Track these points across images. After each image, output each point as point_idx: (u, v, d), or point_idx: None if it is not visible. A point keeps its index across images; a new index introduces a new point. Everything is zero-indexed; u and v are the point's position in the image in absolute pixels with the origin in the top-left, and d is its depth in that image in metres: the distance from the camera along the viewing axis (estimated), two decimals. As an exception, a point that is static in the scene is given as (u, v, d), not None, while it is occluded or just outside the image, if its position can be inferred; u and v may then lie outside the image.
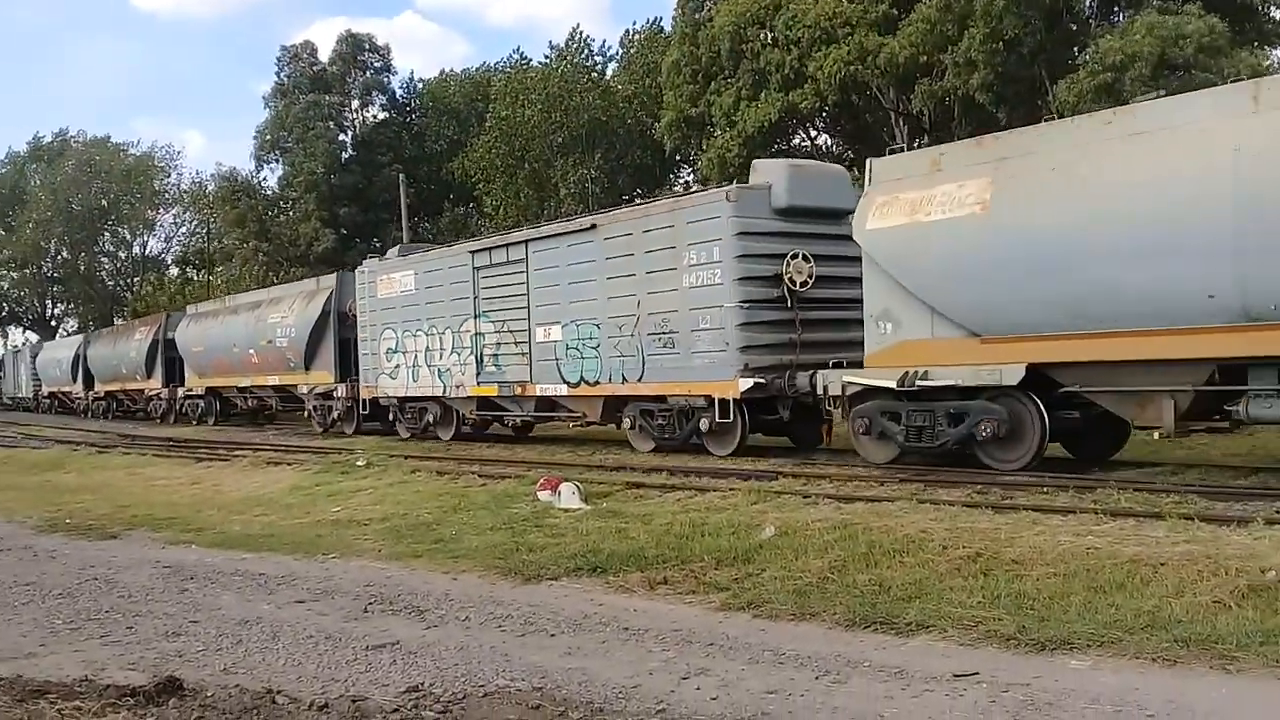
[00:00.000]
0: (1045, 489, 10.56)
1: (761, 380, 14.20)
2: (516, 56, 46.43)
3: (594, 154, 40.97)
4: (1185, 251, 9.82)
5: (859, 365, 13.09)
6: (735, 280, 14.43)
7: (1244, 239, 9.46)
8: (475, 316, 19.25)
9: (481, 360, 19.16)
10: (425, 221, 51.28)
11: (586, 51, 43.71)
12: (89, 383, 40.81)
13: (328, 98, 52.03)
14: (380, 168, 50.71)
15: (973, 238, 11.38)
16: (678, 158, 42.10)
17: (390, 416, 22.43)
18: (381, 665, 5.92)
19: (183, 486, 16.02)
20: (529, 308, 17.95)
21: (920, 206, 11.95)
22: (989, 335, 11.69)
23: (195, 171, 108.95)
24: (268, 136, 53.33)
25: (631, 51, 43.53)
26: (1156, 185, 10.14)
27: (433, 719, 4.94)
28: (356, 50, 53.96)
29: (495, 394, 19.03)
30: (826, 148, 37.30)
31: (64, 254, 73.39)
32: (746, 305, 14.42)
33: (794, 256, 14.44)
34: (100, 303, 71.89)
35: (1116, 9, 27.28)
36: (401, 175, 44.74)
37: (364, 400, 22.65)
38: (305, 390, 25.51)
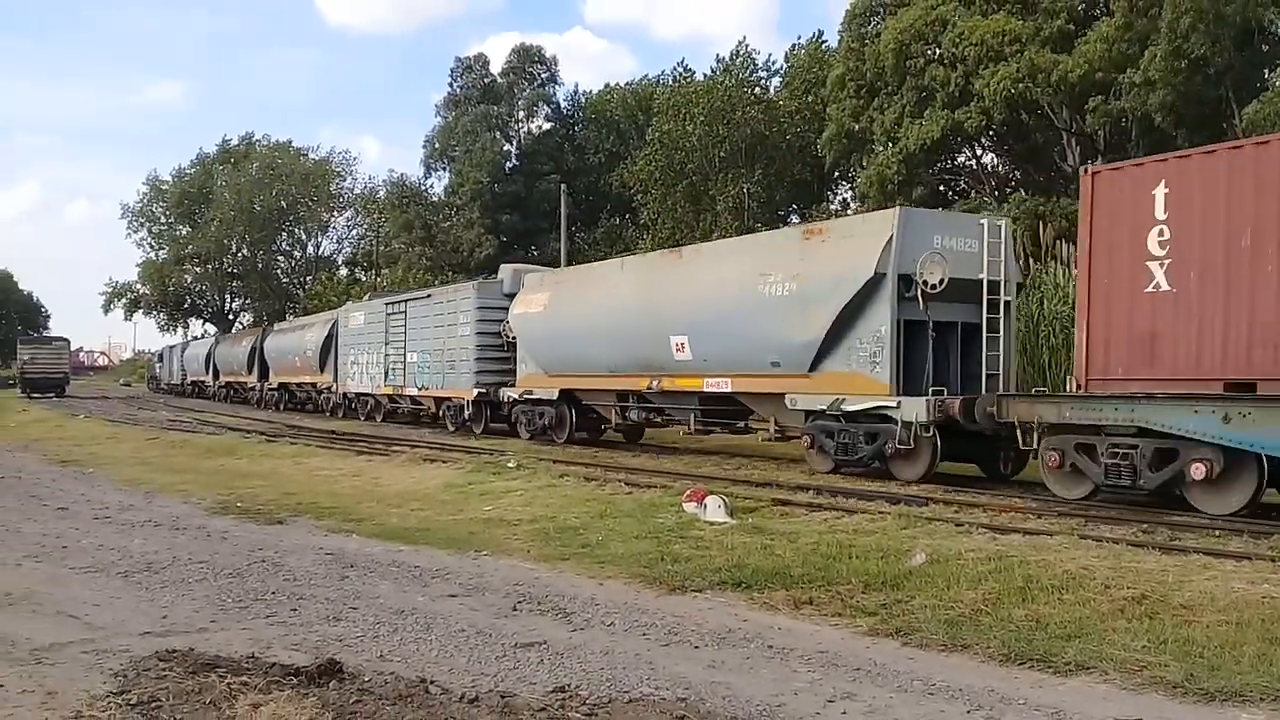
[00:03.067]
0: (1217, 532, 10.02)
1: (484, 390, 24.40)
2: (681, 70, 46.72)
3: (754, 169, 40.90)
4: (606, 340, 19.94)
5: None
6: (476, 333, 24.72)
7: (621, 339, 19.56)
8: (385, 344, 30.12)
9: (387, 372, 30.04)
10: (582, 231, 52.20)
11: (751, 66, 43.71)
12: (264, 374, 43.46)
13: (496, 108, 53.61)
14: (541, 177, 51.95)
15: (541, 324, 22.30)
16: (837, 174, 41.67)
17: (352, 405, 33.53)
18: (529, 663, 6.03)
19: (344, 478, 16.67)
20: (405, 341, 28.83)
21: (528, 305, 22.86)
22: (551, 373, 22.05)
23: (369, 177, 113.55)
24: (437, 145, 55.29)
25: (795, 66, 43.31)
26: (599, 306, 20.47)
27: (579, 720, 5.00)
28: (526, 62, 55.44)
29: (392, 392, 30.02)
30: (992, 168, 36.31)
31: (244, 251, 77.64)
32: (481, 348, 24.61)
33: (506, 322, 23.86)
34: (275, 299, 75.69)
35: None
36: (562, 185, 45.65)
37: (342, 394, 34.05)
38: (323, 387, 36.65)
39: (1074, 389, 12.75)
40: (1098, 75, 26.34)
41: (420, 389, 27.70)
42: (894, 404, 14.30)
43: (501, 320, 23.95)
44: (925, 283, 14.34)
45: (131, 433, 27.34)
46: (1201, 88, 24.60)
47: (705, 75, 44.25)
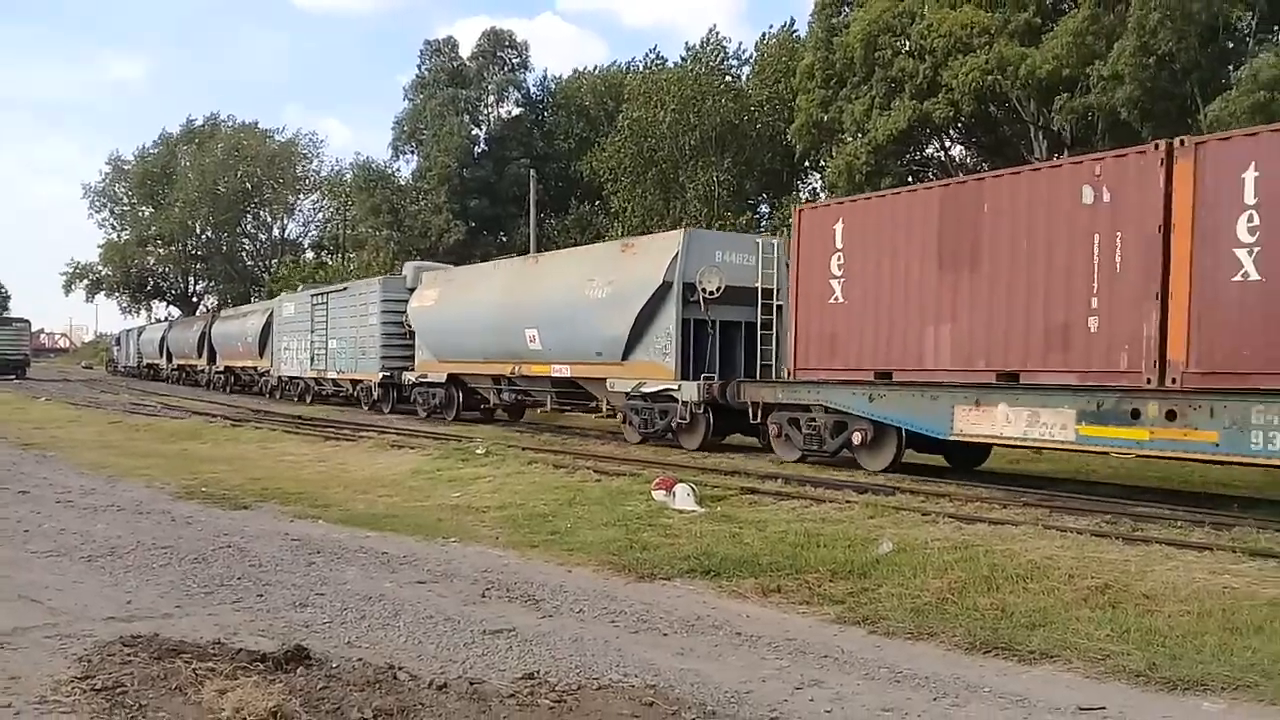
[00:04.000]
0: (1179, 523, 10.17)
1: (388, 374, 27.78)
2: (652, 57, 46.65)
3: (724, 157, 40.93)
4: (480, 331, 23.28)
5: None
6: (381, 322, 27.97)
7: (491, 330, 22.83)
8: (311, 332, 32.88)
9: (313, 357, 32.73)
10: (552, 217, 52.03)
11: (721, 54, 43.70)
12: (212, 358, 45.77)
13: (465, 92, 53.25)
14: (510, 162, 51.70)
15: (433, 316, 25.67)
16: (806, 163, 41.80)
17: (285, 388, 36.31)
18: (498, 650, 6.02)
19: (310, 463, 16.55)
20: (327, 329, 31.67)
21: (423, 299, 26.20)
22: (441, 359, 25.45)
23: (335, 159, 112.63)
24: (405, 128, 54.88)
25: (765, 55, 43.36)
26: (476, 302, 23.67)
27: (548, 706, 5.00)
28: (496, 46, 55.11)
29: (317, 375, 32.90)
30: (960, 160, 36.54)
31: (208, 233, 76.87)
32: (386, 336, 27.88)
33: (406, 314, 26.92)
34: (239, 281, 75.02)
35: (1277, 27, 26.04)
36: (531, 171, 45.47)
37: (277, 377, 36.79)
38: (263, 370, 39.32)
39: (787, 376, 16.43)
40: (1065, 71, 26.54)
41: (339, 372, 31.08)
42: (676, 386, 18.01)
43: (403, 312, 27.20)
44: (705, 290, 17.88)
45: (94, 416, 27.00)
46: (1167, 83, 24.86)
47: (676, 63, 44.22)
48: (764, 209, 44.10)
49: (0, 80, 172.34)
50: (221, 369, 44.55)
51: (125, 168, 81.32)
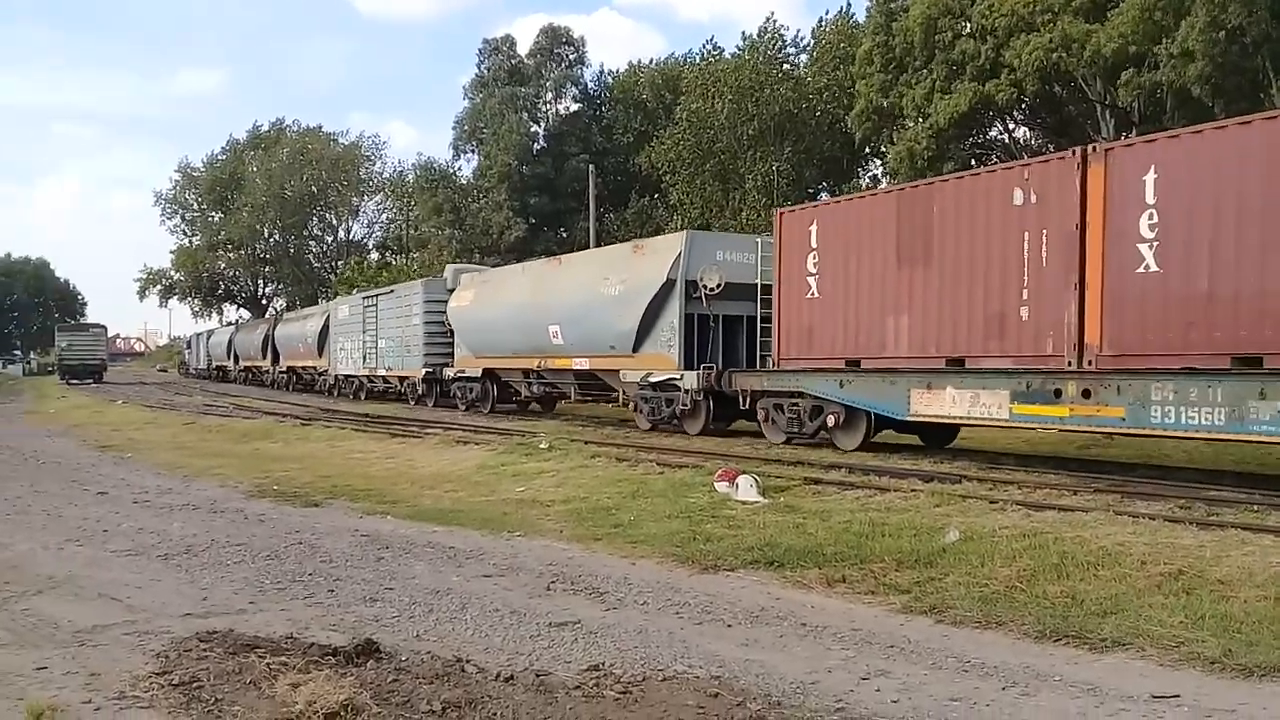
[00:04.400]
0: (1255, 507, 9.91)
1: (430, 369, 29.62)
2: (709, 48, 46.44)
3: (783, 146, 40.64)
4: (510, 328, 24.64)
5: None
6: (424, 322, 29.78)
7: (520, 328, 24.16)
8: (363, 333, 34.88)
9: (365, 356, 34.77)
10: (611, 212, 52.12)
11: (779, 42, 43.36)
12: (276, 359, 47.78)
13: (523, 90, 53.52)
14: (569, 158, 51.86)
15: (469, 316, 27.22)
16: (867, 150, 41.34)
17: (342, 386, 38.30)
18: (564, 642, 6.07)
19: (378, 460, 16.80)
20: (377, 329, 33.63)
21: (461, 300, 27.87)
22: (477, 355, 27.02)
23: (398, 160, 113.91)
24: (466, 127, 55.33)
25: (823, 42, 42.94)
26: (507, 302, 25.27)
27: (613, 698, 5.03)
28: (553, 43, 55.30)
29: (368, 373, 34.83)
30: (1025, 141, 35.89)
31: (276, 237, 78.28)
32: (428, 334, 29.68)
33: (446, 313, 28.64)
34: (307, 283, 76.28)
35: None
36: (590, 167, 45.58)
37: (334, 375, 38.74)
38: (322, 370, 41.22)
39: (771, 366, 17.63)
40: (1132, 48, 25.92)
41: (388, 370, 33.00)
42: (679, 376, 19.20)
43: (444, 312, 28.89)
44: (706, 286, 18.98)
45: (168, 418, 27.70)
46: (1238, 58, 24.15)
47: (733, 54, 43.98)
48: (824, 197, 43.74)
49: (77, 94, 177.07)
50: (284, 369, 46.52)
51: (195, 174, 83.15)
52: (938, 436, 16.75)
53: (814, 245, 16.63)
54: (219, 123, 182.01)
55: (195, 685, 5.06)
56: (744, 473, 11.96)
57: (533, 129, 54.30)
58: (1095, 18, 27.35)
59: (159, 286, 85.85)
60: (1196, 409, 11.12)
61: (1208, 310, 11.38)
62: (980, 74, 30.03)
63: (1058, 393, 12.60)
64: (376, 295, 34.63)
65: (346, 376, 37.29)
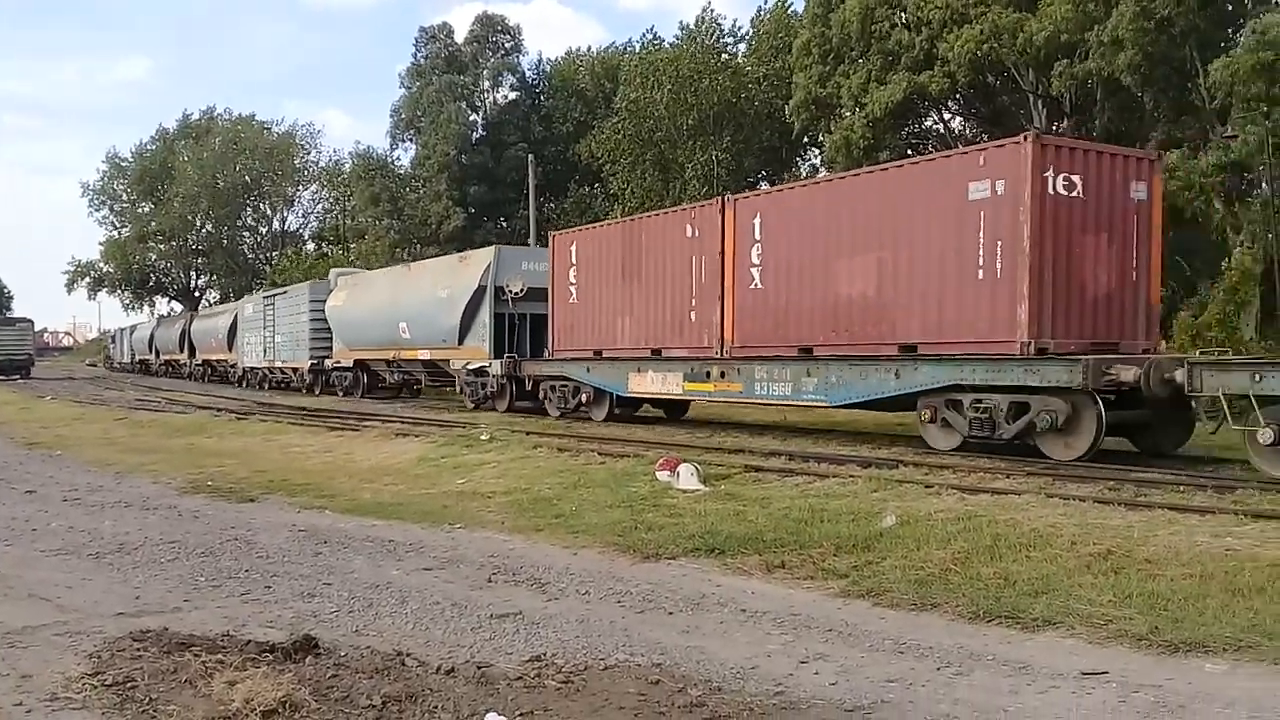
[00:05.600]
0: (1181, 488, 10.19)
1: (315, 361, 33.34)
2: (649, 37, 46.40)
3: (722, 136, 40.76)
4: (373, 324, 29.00)
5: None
6: (309, 319, 33.19)
7: (380, 324, 28.55)
8: (264, 329, 37.99)
9: (266, 349, 37.96)
10: (551, 201, 51.92)
11: (717, 32, 43.44)
12: (192, 352, 50.77)
13: (461, 78, 53.01)
14: (508, 148, 51.54)
15: (342, 314, 30.99)
16: (805, 140, 41.61)
17: (248, 377, 40.87)
18: (505, 634, 6.07)
19: (316, 454, 16.61)
20: (275, 326, 36.92)
21: (336, 300, 31.60)
22: (350, 348, 30.79)
23: (334, 150, 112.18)
24: (403, 116, 54.71)
25: (762, 32, 43.11)
26: (370, 301, 29.65)
27: (555, 688, 5.04)
28: (490, 31, 54.85)
29: (268, 365, 38.00)
30: (959, 131, 36.37)
31: (208, 228, 76.87)
32: (313, 331, 33.02)
33: (325, 312, 32.23)
34: (241, 275, 75.00)
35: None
36: (530, 156, 45.35)
37: (242, 368, 41.56)
38: (232, 363, 44.03)
39: (547, 356, 22.05)
40: (1063, 38, 26.36)
41: (284, 362, 36.66)
42: (488, 364, 23.42)
43: (325, 308, 32.71)
44: (511, 291, 23.46)
45: (99, 413, 27.09)
46: (1167, 47, 24.68)
47: (672, 43, 43.99)
48: (764, 186, 43.97)
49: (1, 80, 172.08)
50: (200, 362, 49.83)
51: (123, 165, 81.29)
52: (675, 410, 21.21)
53: (574, 262, 21.02)
54: (149, 112, 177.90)
55: (129, 685, 4.97)
56: (685, 461, 12.02)
57: (471, 118, 53.86)
58: (1027, 8, 27.75)
59: (87, 279, 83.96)
60: (779, 384, 16.00)
61: (785, 316, 16.01)
62: (915, 65, 30.36)
63: (708, 374, 17.52)
64: (274, 295, 38.64)
65: (252, 368, 40.56)
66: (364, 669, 5.22)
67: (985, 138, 34.17)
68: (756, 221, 16.54)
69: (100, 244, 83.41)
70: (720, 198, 17.60)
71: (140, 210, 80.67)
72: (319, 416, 23.49)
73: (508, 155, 51.30)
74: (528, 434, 17.00)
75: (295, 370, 35.73)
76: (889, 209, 14.37)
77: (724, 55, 43.00)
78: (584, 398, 20.49)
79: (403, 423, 20.65)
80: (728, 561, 8.06)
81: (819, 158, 41.82)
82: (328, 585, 7.32)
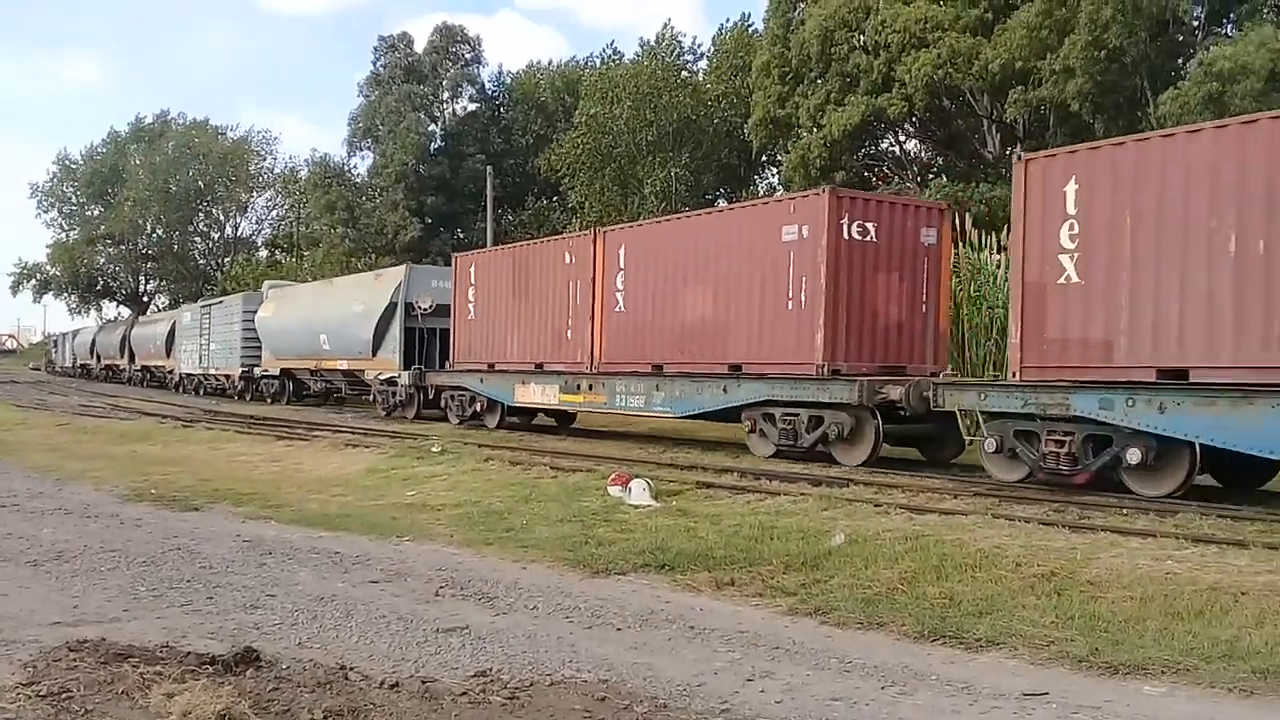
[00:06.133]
0: (1124, 510, 10.35)
1: (246, 368, 34.61)
2: (610, 52, 46.51)
3: (681, 152, 40.93)
4: (296, 335, 30.89)
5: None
6: (241, 329, 34.87)
7: (303, 334, 30.62)
8: (200, 336, 39.50)
9: (201, 356, 39.40)
10: (509, 213, 51.76)
11: (677, 50, 43.65)
12: (132, 358, 51.58)
13: (420, 88, 52.75)
14: (467, 159, 51.31)
15: (270, 324, 32.41)
16: (764, 158, 41.90)
17: (184, 383, 42.51)
18: (451, 648, 6.02)
19: (263, 463, 16.40)
20: (210, 334, 38.51)
21: (266, 310, 33.14)
22: (278, 356, 32.17)
23: (290, 156, 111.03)
24: (361, 125, 54.29)
25: (722, 51, 43.39)
26: (293, 313, 31.61)
27: (500, 704, 5.01)
28: (450, 42, 54.65)
29: (203, 371, 39.59)
30: (915, 154, 36.81)
31: (159, 232, 75.71)
32: (245, 340, 34.50)
33: (255, 321, 33.58)
34: (191, 280, 73.92)
35: (1226, 21, 26.46)
36: (488, 167, 45.20)
37: (179, 374, 42.96)
38: (170, 369, 45.52)
39: (449, 367, 23.75)
40: (1018, 64, 26.80)
41: (217, 369, 38.28)
42: (398, 374, 25.21)
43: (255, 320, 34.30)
44: (420, 307, 25.25)
45: (41, 418, 26.56)
46: (1118, 76, 25.18)
47: (633, 59, 44.13)
48: (722, 203, 44.17)
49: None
50: (139, 368, 50.91)
51: (73, 167, 79.97)
52: (565, 420, 22.94)
53: (473, 282, 22.77)
54: (101, 114, 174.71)
55: (65, 696, 4.86)
56: (636, 477, 12.02)
57: (430, 128, 53.55)
58: (983, 34, 28.18)
59: (34, 282, 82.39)
60: (635, 396, 17.71)
61: (642, 337, 17.86)
62: (873, 88, 30.70)
63: (579, 386, 19.03)
64: (210, 305, 40.67)
65: (188, 374, 42.17)
66: (306, 682, 5.15)
67: (941, 161, 34.70)
68: (622, 252, 18.36)
69: (48, 246, 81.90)
70: (593, 229, 19.82)
71: (89, 213, 79.34)
72: (267, 425, 23.20)
73: (466, 166, 51.08)
74: (479, 446, 16.93)
75: (228, 376, 37.19)
76: (723, 246, 16.46)
77: (684, 73, 43.22)
78: (479, 406, 22.12)
79: (353, 433, 20.45)
80: (677, 578, 8.06)
81: (776, 176, 42.14)
82: (271, 597, 7.23)
